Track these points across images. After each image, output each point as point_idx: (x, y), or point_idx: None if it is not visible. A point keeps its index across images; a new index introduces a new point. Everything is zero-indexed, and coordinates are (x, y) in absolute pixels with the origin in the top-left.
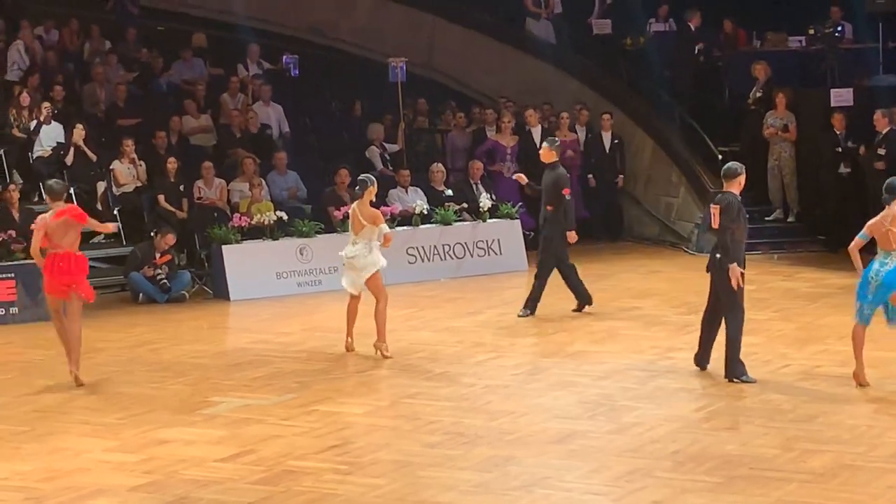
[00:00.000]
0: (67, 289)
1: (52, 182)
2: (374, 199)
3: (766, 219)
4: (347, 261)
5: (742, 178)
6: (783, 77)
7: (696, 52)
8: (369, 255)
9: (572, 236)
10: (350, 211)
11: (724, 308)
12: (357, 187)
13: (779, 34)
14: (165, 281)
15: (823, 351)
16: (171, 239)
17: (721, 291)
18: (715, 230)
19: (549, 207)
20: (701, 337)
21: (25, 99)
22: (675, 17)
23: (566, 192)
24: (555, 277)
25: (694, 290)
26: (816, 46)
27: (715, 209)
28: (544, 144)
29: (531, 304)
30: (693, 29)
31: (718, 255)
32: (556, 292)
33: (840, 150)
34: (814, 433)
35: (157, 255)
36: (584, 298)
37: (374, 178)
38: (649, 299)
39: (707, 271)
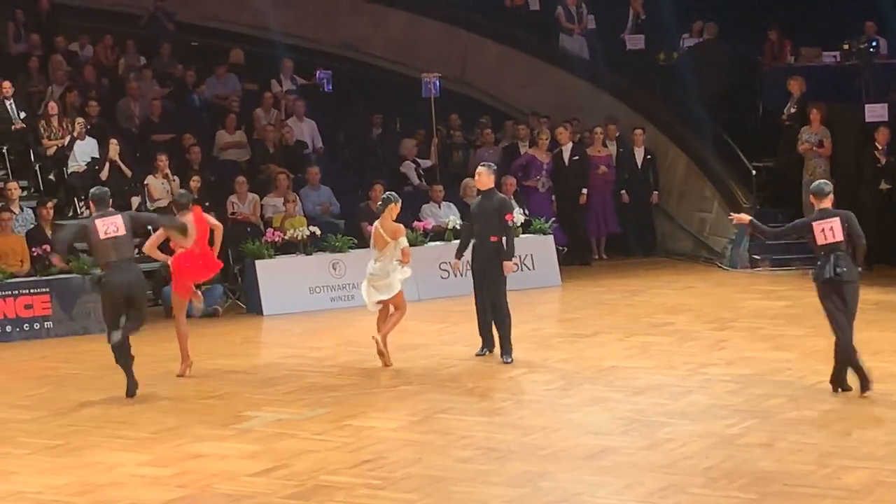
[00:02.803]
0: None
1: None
2: (395, 218)
3: None
4: (369, 277)
5: (832, 196)
6: (818, 92)
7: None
8: (387, 278)
9: (510, 267)
10: (373, 229)
11: (850, 320)
12: (380, 203)
13: (813, 49)
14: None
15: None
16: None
17: (852, 305)
18: (831, 245)
19: (493, 238)
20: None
21: (53, 108)
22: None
23: (509, 217)
24: (592, 293)
25: (727, 305)
26: (851, 61)
27: (833, 223)
28: (481, 169)
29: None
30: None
31: (844, 269)
32: (589, 307)
33: (880, 165)
34: (849, 449)
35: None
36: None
37: (398, 197)
38: (682, 315)
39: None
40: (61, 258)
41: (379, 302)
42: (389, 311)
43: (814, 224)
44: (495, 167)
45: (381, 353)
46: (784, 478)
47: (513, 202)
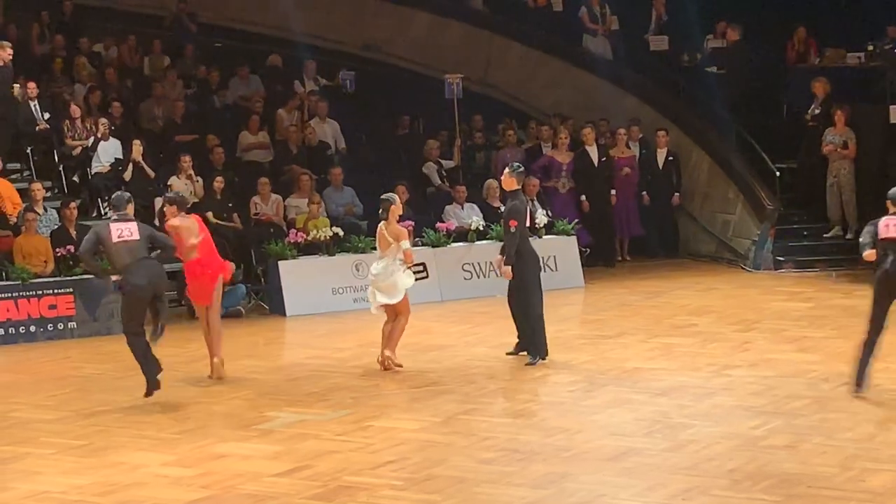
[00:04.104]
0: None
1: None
2: (397, 218)
3: (825, 236)
4: (373, 278)
5: None
6: (842, 94)
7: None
8: (391, 277)
9: (507, 272)
10: (377, 231)
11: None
12: (380, 210)
13: (838, 50)
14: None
15: (883, 369)
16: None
17: None
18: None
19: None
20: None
21: (76, 111)
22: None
23: (513, 223)
24: (615, 295)
25: (751, 307)
26: (876, 63)
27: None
28: (506, 171)
29: (539, 349)
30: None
31: None
32: (613, 308)
33: None
34: (873, 452)
35: None
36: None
37: (396, 198)
38: (706, 316)
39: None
40: (101, 272)
41: (382, 306)
42: (392, 320)
43: (881, 219)
44: (521, 168)
45: (389, 367)
46: (808, 480)
47: (536, 204)
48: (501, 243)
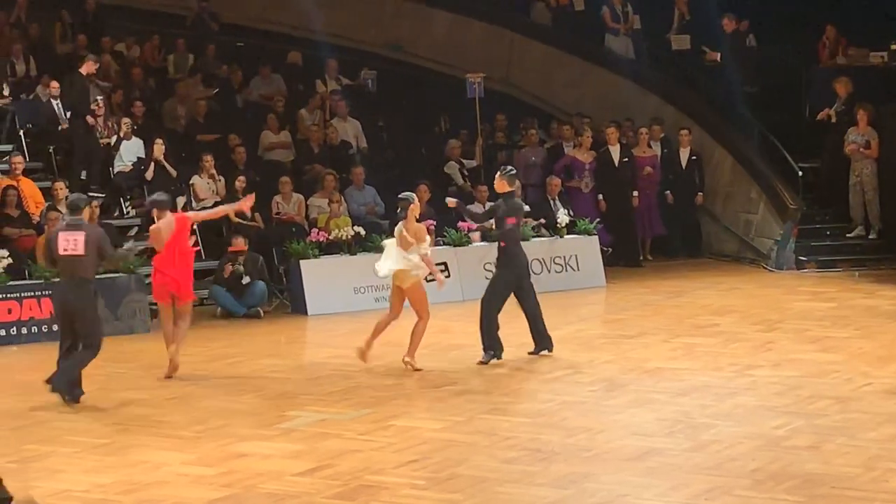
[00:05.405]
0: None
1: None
2: (418, 217)
3: (848, 236)
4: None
5: None
6: (865, 93)
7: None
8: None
9: (451, 202)
10: (396, 232)
11: None
12: (398, 209)
13: (860, 50)
14: (240, 268)
15: None
16: (240, 243)
17: None
18: None
19: (502, 244)
20: None
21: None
22: (755, 32)
23: (510, 221)
24: (637, 295)
25: (773, 307)
26: None
27: None
28: (497, 174)
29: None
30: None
31: None
32: (634, 308)
33: None
34: None
35: (228, 264)
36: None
37: (414, 196)
38: (728, 316)
39: None
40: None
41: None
42: (388, 317)
43: None
44: (513, 171)
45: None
46: (831, 481)
47: (558, 203)
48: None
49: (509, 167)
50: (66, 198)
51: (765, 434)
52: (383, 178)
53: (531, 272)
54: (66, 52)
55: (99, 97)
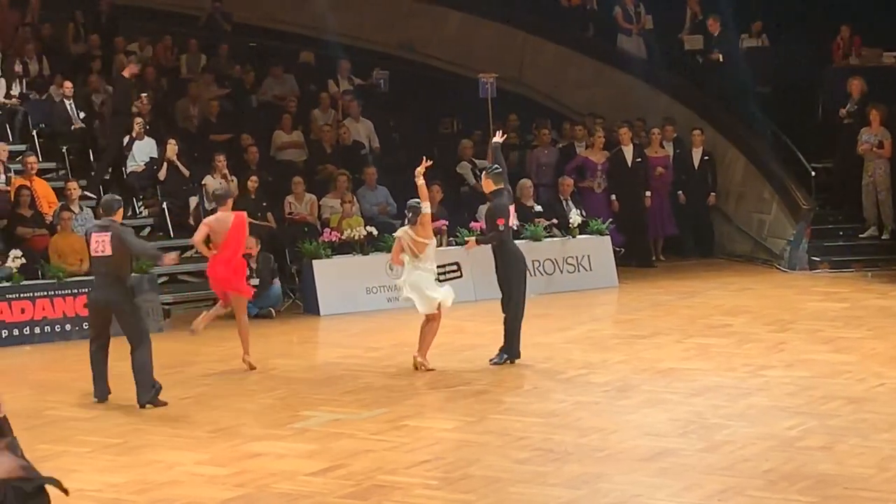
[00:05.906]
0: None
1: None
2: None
3: (861, 236)
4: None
5: None
6: (878, 93)
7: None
8: (424, 291)
9: (471, 243)
10: (406, 240)
11: None
12: (410, 214)
13: (874, 49)
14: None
15: None
16: (251, 244)
17: None
18: None
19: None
20: None
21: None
22: (768, 33)
23: (500, 222)
24: (649, 295)
25: (786, 307)
26: None
27: None
28: (483, 173)
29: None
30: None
31: None
32: (647, 308)
33: None
34: None
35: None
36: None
37: (427, 205)
38: (741, 316)
39: None
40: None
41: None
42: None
43: None
44: (499, 169)
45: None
46: (844, 481)
47: (570, 203)
48: (531, 241)
49: (495, 166)
50: (98, 199)
51: (778, 434)
52: (395, 179)
53: (545, 272)
54: (79, 53)
55: (143, 94)
